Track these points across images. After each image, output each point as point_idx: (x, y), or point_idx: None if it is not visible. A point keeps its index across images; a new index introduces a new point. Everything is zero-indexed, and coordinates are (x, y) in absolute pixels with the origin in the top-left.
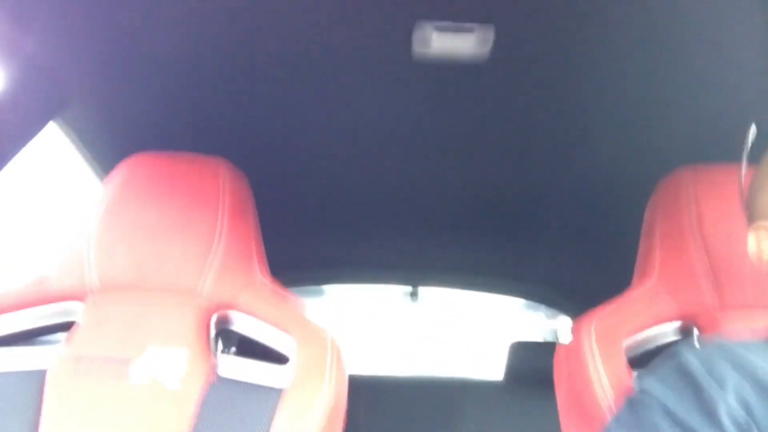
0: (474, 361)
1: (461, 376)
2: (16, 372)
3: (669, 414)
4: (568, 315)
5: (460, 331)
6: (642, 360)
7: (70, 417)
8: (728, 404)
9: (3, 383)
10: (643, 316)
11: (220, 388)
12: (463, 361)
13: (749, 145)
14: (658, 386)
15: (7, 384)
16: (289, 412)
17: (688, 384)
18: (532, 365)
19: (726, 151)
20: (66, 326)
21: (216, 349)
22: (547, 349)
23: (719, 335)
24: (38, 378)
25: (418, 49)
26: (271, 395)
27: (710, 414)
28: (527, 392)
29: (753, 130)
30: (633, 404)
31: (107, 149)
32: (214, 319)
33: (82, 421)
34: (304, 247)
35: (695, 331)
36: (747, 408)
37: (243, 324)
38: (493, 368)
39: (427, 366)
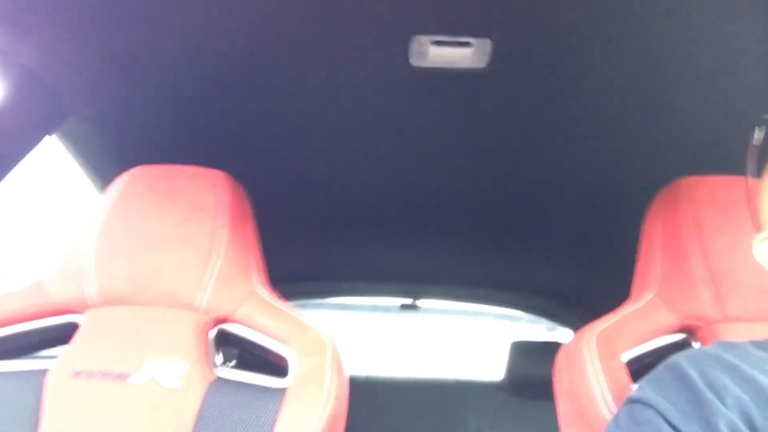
0: (474, 361)
1: (461, 377)
2: (15, 382)
3: (673, 428)
4: (569, 327)
5: (460, 331)
6: (643, 372)
7: (70, 422)
8: (728, 418)
9: (2, 393)
10: (644, 329)
11: (220, 389)
12: (463, 362)
13: (755, 149)
14: (659, 398)
15: (6, 395)
16: (290, 418)
17: (690, 398)
18: (533, 365)
19: (727, 162)
20: (64, 339)
21: (215, 363)
22: (548, 348)
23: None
24: (36, 389)
25: (415, 62)
26: (272, 397)
27: (711, 427)
28: (527, 393)
29: (758, 134)
30: (634, 413)
31: (106, 162)
32: (213, 332)
33: (81, 425)
34: (303, 259)
35: (696, 344)
36: (749, 422)
37: (242, 336)
38: (493, 369)
39: (427, 367)
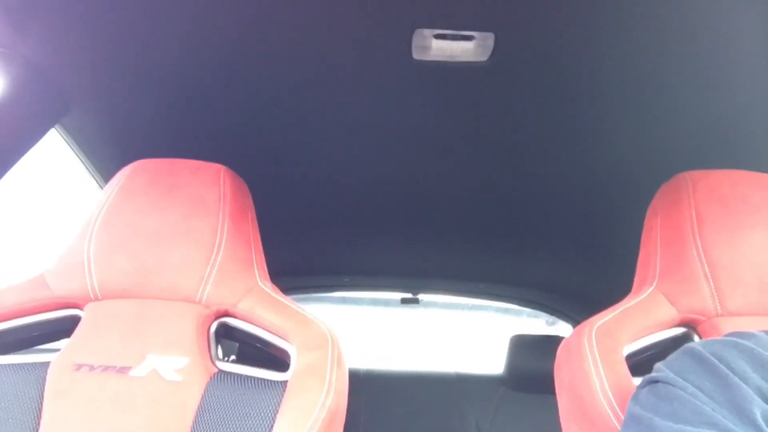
0: (474, 355)
1: (461, 371)
2: (17, 375)
3: (706, 405)
4: (569, 322)
5: (460, 325)
6: (643, 366)
7: (71, 414)
8: (764, 407)
9: (3, 386)
10: (644, 323)
11: (222, 383)
12: (463, 356)
13: None
14: (683, 382)
15: (8, 388)
16: (291, 411)
17: (715, 382)
18: (533, 359)
19: (728, 157)
20: (66, 333)
21: (216, 357)
22: (548, 343)
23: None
24: (38, 382)
25: (417, 56)
26: (273, 391)
27: (744, 414)
28: (527, 387)
29: None
30: (658, 391)
31: (108, 155)
32: (214, 326)
33: (83, 417)
34: (304, 253)
35: (696, 338)
36: None
37: (244, 330)
38: (493, 363)
39: (427, 361)
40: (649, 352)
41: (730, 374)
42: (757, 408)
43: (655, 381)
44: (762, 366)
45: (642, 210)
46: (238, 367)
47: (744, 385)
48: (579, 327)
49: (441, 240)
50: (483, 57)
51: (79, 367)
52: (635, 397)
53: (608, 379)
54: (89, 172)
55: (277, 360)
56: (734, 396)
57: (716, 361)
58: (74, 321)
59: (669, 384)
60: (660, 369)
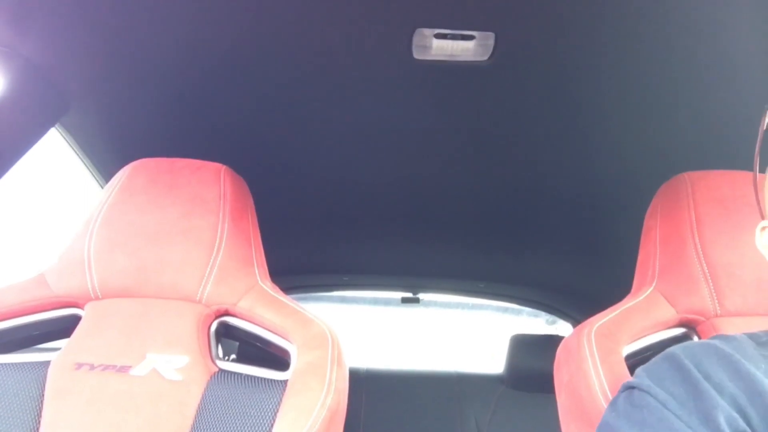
0: (474, 354)
1: (461, 370)
2: (17, 374)
3: (674, 415)
4: (568, 321)
5: (460, 325)
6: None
7: (72, 413)
8: (727, 412)
9: (4, 386)
10: (643, 323)
11: (222, 382)
12: (463, 355)
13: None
14: (657, 389)
15: (8, 387)
16: (291, 410)
17: (688, 389)
18: (533, 359)
19: (728, 158)
20: (66, 332)
21: (216, 356)
22: (548, 342)
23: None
24: (39, 381)
25: (417, 56)
26: (273, 390)
27: (710, 420)
28: (527, 386)
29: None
30: (633, 398)
31: (108, 154)
32: (214, 325)
33: (83, 417)
34: (304, 252)
35: (695, 338)
36: (745, 418)
37: (244, 329)
38: (493, 362)
39: (427, 360)
40: (648, 353)
41: (702, 380)
42: (721, 413)
43: (631, 387)
44: (737, 374)
45: (642, 210)
46: (239, 366)
47: (714, 393)
48: (579, 327)
49: (441, 239)
50: (483, 56)
51: (80, 366)
52: (613, 404)
53: (607, 379)
54: (89, 171)
55: (277, 359)
56: (703, 402)
57: (692, 367)
58: (74, 320)
59: (643, 391)
60: (639, 375)
